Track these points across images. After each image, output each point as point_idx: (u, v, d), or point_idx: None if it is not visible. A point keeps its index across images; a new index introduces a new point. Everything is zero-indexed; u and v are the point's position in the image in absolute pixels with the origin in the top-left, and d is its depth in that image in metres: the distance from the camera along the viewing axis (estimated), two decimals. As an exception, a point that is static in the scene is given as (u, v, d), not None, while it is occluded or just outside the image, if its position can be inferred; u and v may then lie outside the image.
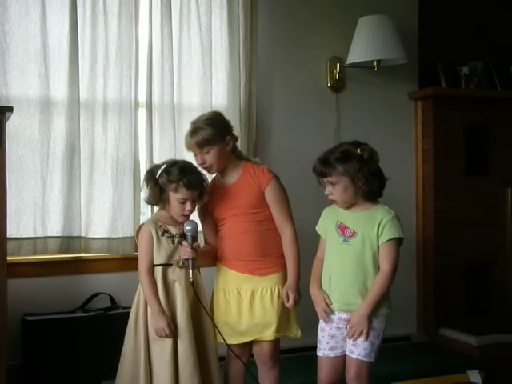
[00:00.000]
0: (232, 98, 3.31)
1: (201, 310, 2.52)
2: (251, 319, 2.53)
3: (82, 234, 3.09)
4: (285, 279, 2.55)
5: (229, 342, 2.56)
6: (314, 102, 3.61)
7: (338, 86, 3.65)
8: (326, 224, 2.50)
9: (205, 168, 2.59)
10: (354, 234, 2.40)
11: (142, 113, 3.19)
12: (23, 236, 2.99)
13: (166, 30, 3.17)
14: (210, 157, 2.54)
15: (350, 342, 2.39)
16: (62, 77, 3.03)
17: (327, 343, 2.44)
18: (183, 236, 2.49)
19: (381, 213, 2.40)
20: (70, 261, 3.14)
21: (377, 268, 2.38)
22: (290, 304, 2.51)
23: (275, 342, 2.58)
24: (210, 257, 2.64)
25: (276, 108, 3.51)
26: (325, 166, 2.39)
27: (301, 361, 3.06)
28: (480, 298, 3.86)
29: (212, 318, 2.56)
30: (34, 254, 3.02)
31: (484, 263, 3.86)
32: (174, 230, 2.50)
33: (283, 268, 2.57)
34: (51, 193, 3.03)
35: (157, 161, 3.11)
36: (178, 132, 3.23)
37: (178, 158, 3.02)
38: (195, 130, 2.55)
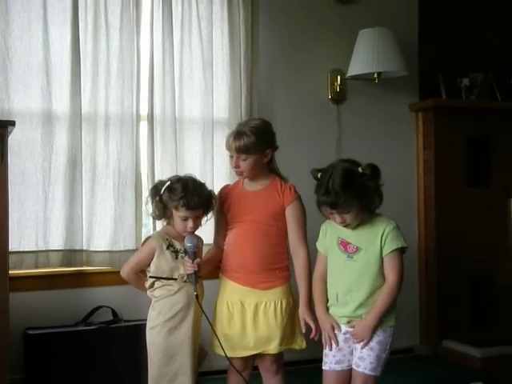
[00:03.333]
0: (233, 111, 3.32)
1: (199, 325, 2.54)
2: (255, 333, 2.51)
3: (84, 248, 3.09)
4: (289, 292, 2.55)
5: (231, 356, 2.54)
6: (315, 114, 3.61)
7: (338, 98, 3.66)
8: (327, 241, 2.46)
9: (236, 171, 2.58)
10: (357, 249, 2.37)
11: (144, 126, 3.20)
12: (25, 249, 2.98)
13: (168, 44, 3.19)
14: (245, 164, 2.53)
15: (356, 355, 2.37)
16: (63, 90, 3.04)
17: (334, 356, 2.41)
18: (185, 251, 2.49)
19: (382, 224, 2.37)
20: (72, 274, 3.13)
21: (384, 279, 2.37)
22: (314, 334, 2.47)
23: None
24: (214, 263, 2.62)
25: (277, 121, 3.48)
26: (335, 198, 2.29)
27: (306, 374, 3.04)
28: (483, 308, 3.85)
29: (214, 330, 2.55)
30: (36, 267, 3.02)
31: (486, 274, 3.85)
32: (178, 245, 2.52)
33: (287, 281, 2.56)
34: (53, 206, 3.03)
35: (158, 174, 3.13)
36: (179, 145, 3.24)
37: (180, 170, 3.04)
38: (239, 134, 2.52)
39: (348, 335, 2.40)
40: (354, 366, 2.37)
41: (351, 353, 2.39)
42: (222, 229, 2.63)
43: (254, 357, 2.59)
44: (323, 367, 2.44)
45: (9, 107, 2.95)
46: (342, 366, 2.40)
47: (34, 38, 3.00)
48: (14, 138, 2.85)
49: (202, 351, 2.61)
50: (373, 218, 2.40)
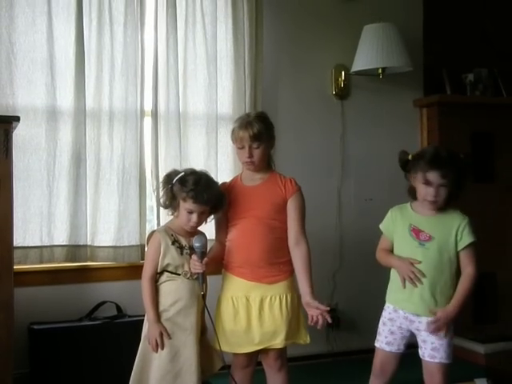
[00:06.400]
0: (237, 107, 3.32)
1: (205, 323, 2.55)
2: (260, 328, 2.50)
3: (88, 243, 3.10)
4: (293, 286, 2.54)
5: (237, 352, 2.55)
6: (319, 109, 3.62)
7: (343, 94, 3.66)
8: (397, 226, 2.48)
9: (248, 162, 2.55)
10: (430, 238, 2.39)
11: (148, 121, 3.21)
12: (30, 245, 3.00)
13: (172, 39, 3.19)
14: (258, 153, 2.52)
15: (428, 346, 2.41)
16: (68, 86, 3.05)
17: (385, 337, 2.48)
18: (193, 250, 2.48)
19: (456, 218, 2.42)
20: (77, 269, 3.14)
21: (453, 272, 2.40)
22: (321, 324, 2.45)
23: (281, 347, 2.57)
24: (218, 261, 2.60)
25: (281, 116, 3.51)
26: (449, 165, 2.35)
27: (310, 369, 3.03)
28: (487, 305, 3.84)
29: (215, 327, 2.55)
30: (41, 262, 3.03)
31: (491, 270, 3.84)
32: (184, 241, 2.50)
33: (290, 275, 2.55)
34: (57, 201, 3.04)
35: (162, 169, 3.14)
36: (183, 140, 3.24)
37: (184, 166, 3.03)
38: (248, 123, 2.51)
39: (404, 325, 2.44)
40: (427, 358, 2.41)
41: (403, 338, 2.46)
42: (223, 226, 2.62)
43: (258, 352, 2.59)
44: (375, 344, 2.50)
45: (13, 103, 2.96)
46: (390, 348, 2.46)
47: (39, 33, 3.01)
48: (19, 134, 2.86)
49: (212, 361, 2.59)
50: (446, 209, 2.43)
